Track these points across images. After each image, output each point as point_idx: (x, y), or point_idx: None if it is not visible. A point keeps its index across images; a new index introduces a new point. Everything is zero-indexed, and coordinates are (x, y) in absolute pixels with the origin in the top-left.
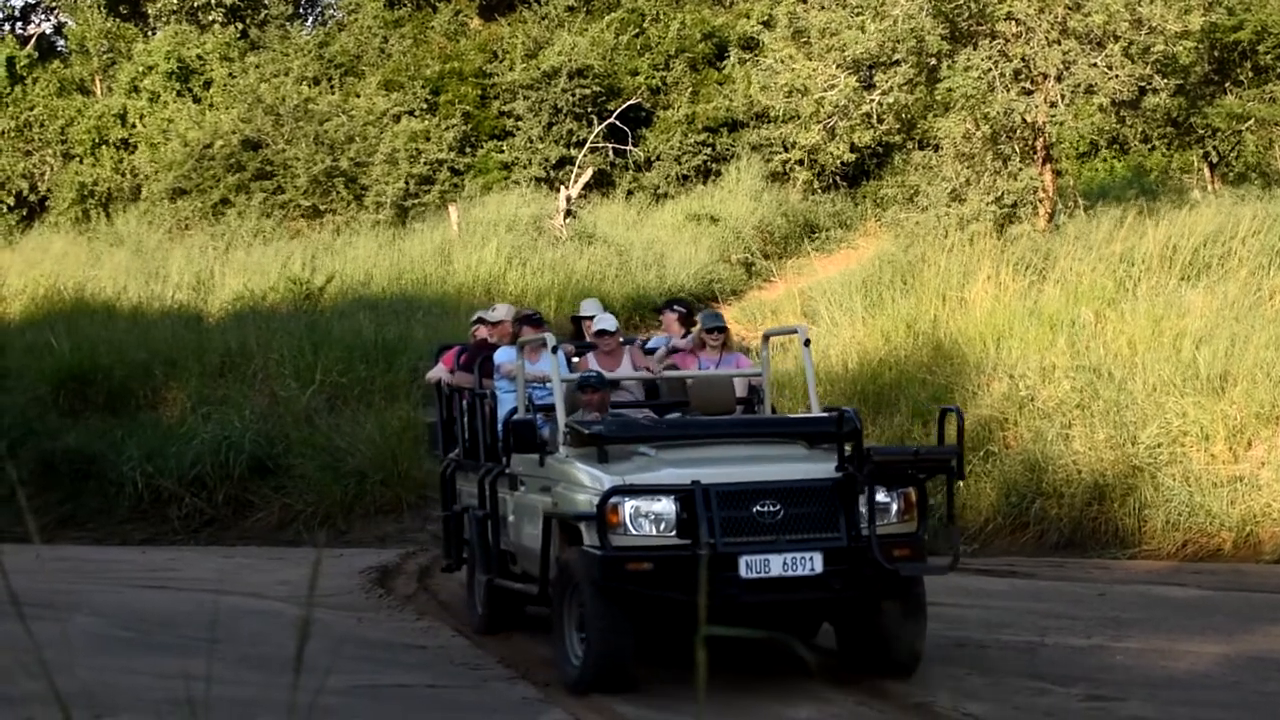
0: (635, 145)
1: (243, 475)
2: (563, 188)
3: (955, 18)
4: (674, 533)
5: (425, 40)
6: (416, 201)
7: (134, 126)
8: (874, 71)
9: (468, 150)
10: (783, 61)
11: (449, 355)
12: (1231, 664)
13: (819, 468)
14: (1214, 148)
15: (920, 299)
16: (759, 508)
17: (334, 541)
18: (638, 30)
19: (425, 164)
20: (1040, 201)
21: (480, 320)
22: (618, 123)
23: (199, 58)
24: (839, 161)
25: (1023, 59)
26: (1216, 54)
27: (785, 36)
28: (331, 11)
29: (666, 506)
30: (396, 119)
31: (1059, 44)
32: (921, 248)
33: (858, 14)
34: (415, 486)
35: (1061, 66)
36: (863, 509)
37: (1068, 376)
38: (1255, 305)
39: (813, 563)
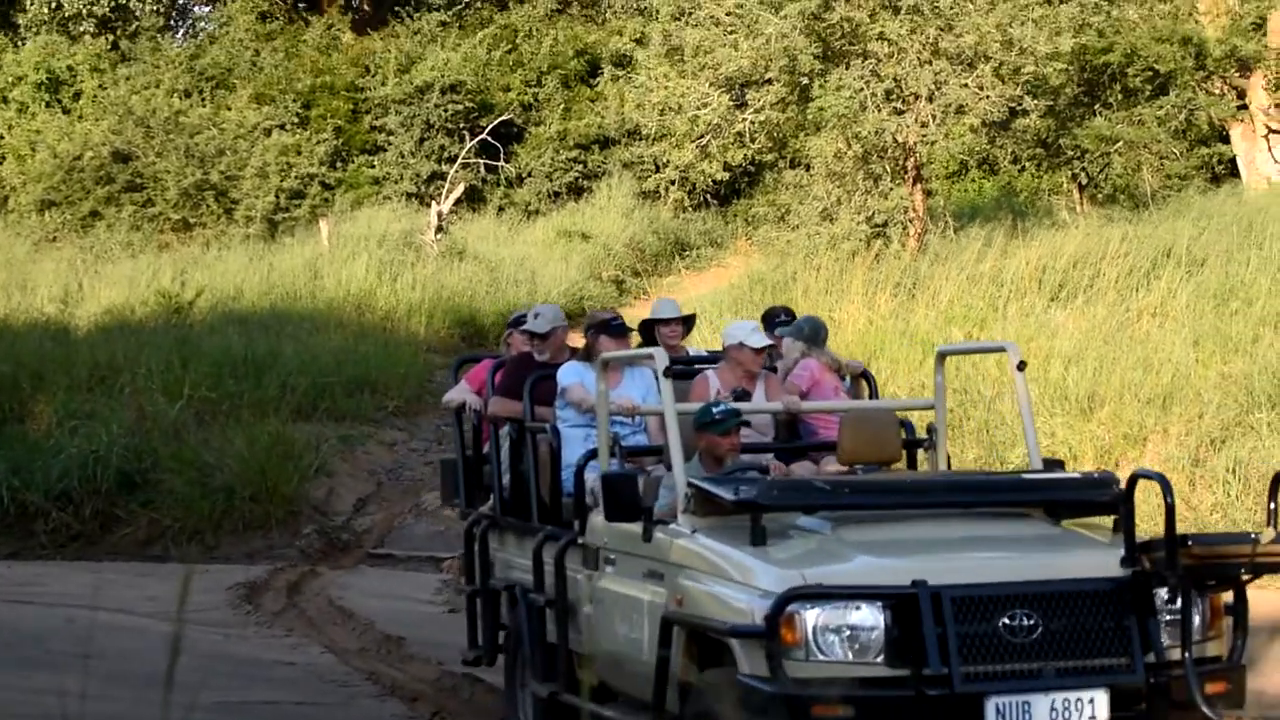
0: (507, 161)
1: (110, 490)
2: (434, 203)
3: (828, 37)
4: (882, 658)
5: (297, 54)
6: (287, 216)
7: (1, 138)
8: (746, 90)
9: (339, 165)
10: (656, 79)
11: (477, 371)
12: None
13: (1091, 559)
14: (1083, 169)
15: None
16: (1010, 621)
17: (202, 557)
18: (510, 46)
19: (296, 178)
20: (911, 221)
21: (518, 327)
22: (489, 139)
23: (69, 69)
24: (711, 180)
25: (894, 79)
26: (1086, 76)
27: (659, 54)
28: (203, 24)
29: (872, 618)
30: (268, 132)
31: (930, 64)
32: (792, 266)
33: (731, 32)
34: (284, 502)
35: (933, 87)
36: (1163, 621)
37: None
38: (1123, 326)
39: (1094, 707)
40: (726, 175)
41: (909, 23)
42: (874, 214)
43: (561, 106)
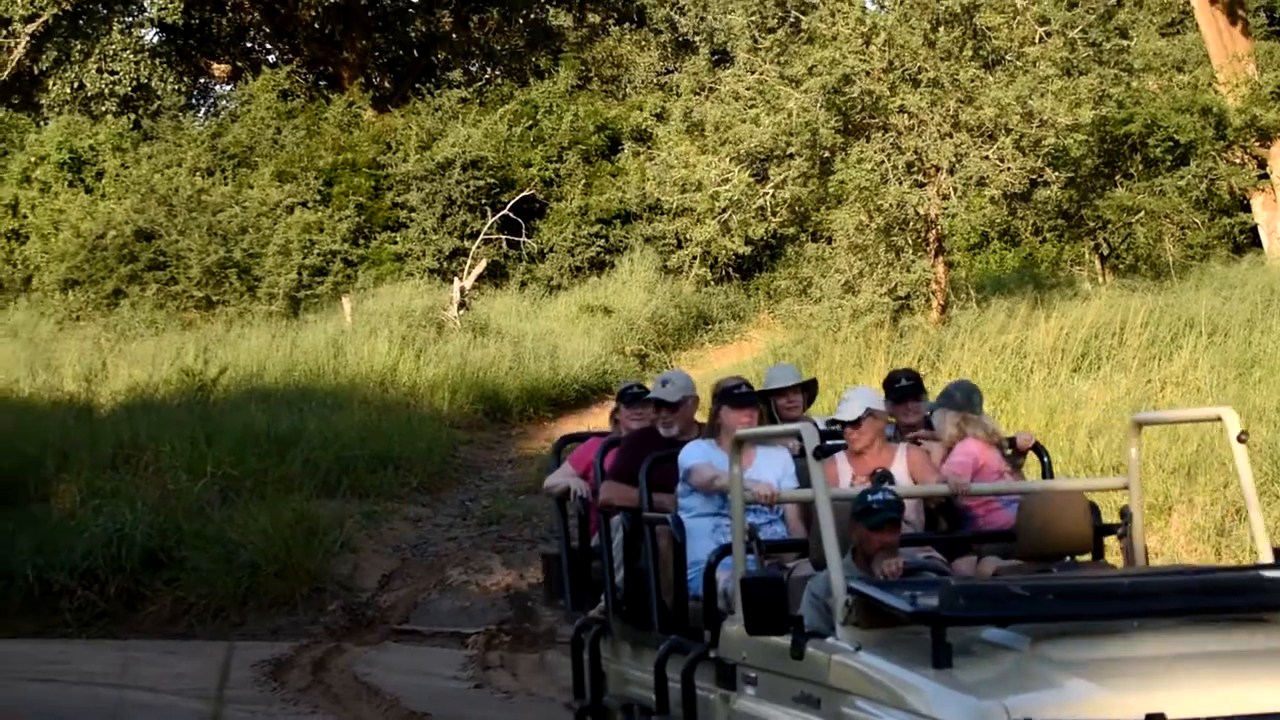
0: (529, 236)
1: (135, 568)
2: (456, 279)
3: (848, 111)
4: None
5: (319, 131)
6: (309, 293)
7: (25, 217)
8: (768, 164)
9: (361, 241)
10: (676, 155)
11: (583, 451)
12: None
13: None
14: (1104, 239)
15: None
16: None
17: (228, 634)
18: (531, 122)
19: (318, 255)
20: (933, 293)
21: (632, 402)
22: (511, 214)
23: (91, 148)
24: (733, 254)
25: (915, 151)
26: (1107, 147)
27: (679, 130)
28: (224, 102)
29: None
30: (290, 210)
31: (951, 137)
32: (815, 339)
33: (751, 107)
34: (308, 579)
35: (953, 159)
36: None
37: None
38: (1147, 397)
39: None
40: (748, 249)
41: (929, 96)
42: (896, 286)
43: (583, 182)
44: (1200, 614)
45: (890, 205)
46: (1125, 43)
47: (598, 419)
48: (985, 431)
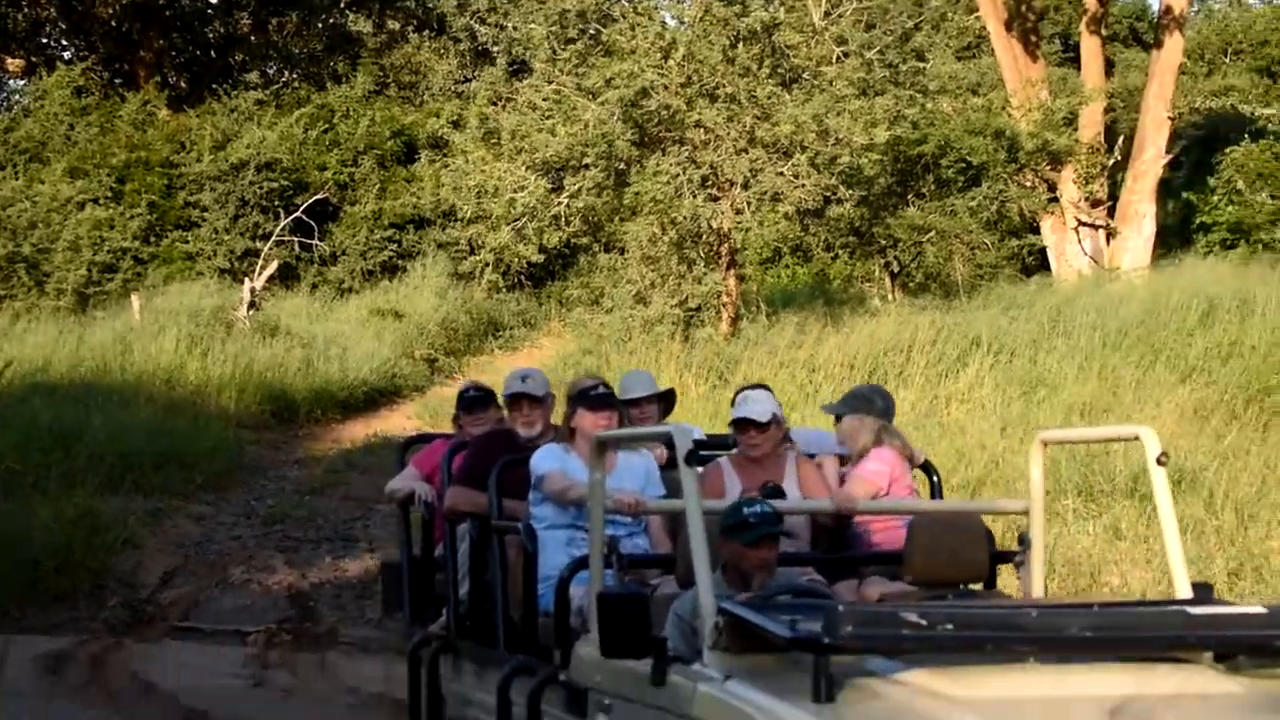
0: (321, 239)
1: None
2: (247, 279)
3: (645, 124)
4: None
5: (112, 129)
6: (99, 289)
7: None
8: (563, 174)
9: (152, 239)
10: (473, 162)
11: (429, 452)
12: None
13: None
14: (895, 257)
15: None
16: None
17: (7, 629)
18: (327, 126)
19: (109, 252)
20: (724, 306)
21: (477, 402)
22: (304, 216)
23: None
24: (526, 262)
25: (710, 166)
26: (900, 166)
27: (475, 137)
28: (17, 97)
29: None
30: (81, 206)
31: (746, 152)
32: (605, 349)
33: (548, 117)
34: (90, 575)
35: (748, 174)
36: None
37: None
38: (932, 412)
39: None
40: (541, 257)
41: (726, 111)
42: (687, 298)
43: (377, 186)
44: (1119, 653)
45: (684, 218)
46: (922, 65)
47: (385, 422)
48: (902, 443)
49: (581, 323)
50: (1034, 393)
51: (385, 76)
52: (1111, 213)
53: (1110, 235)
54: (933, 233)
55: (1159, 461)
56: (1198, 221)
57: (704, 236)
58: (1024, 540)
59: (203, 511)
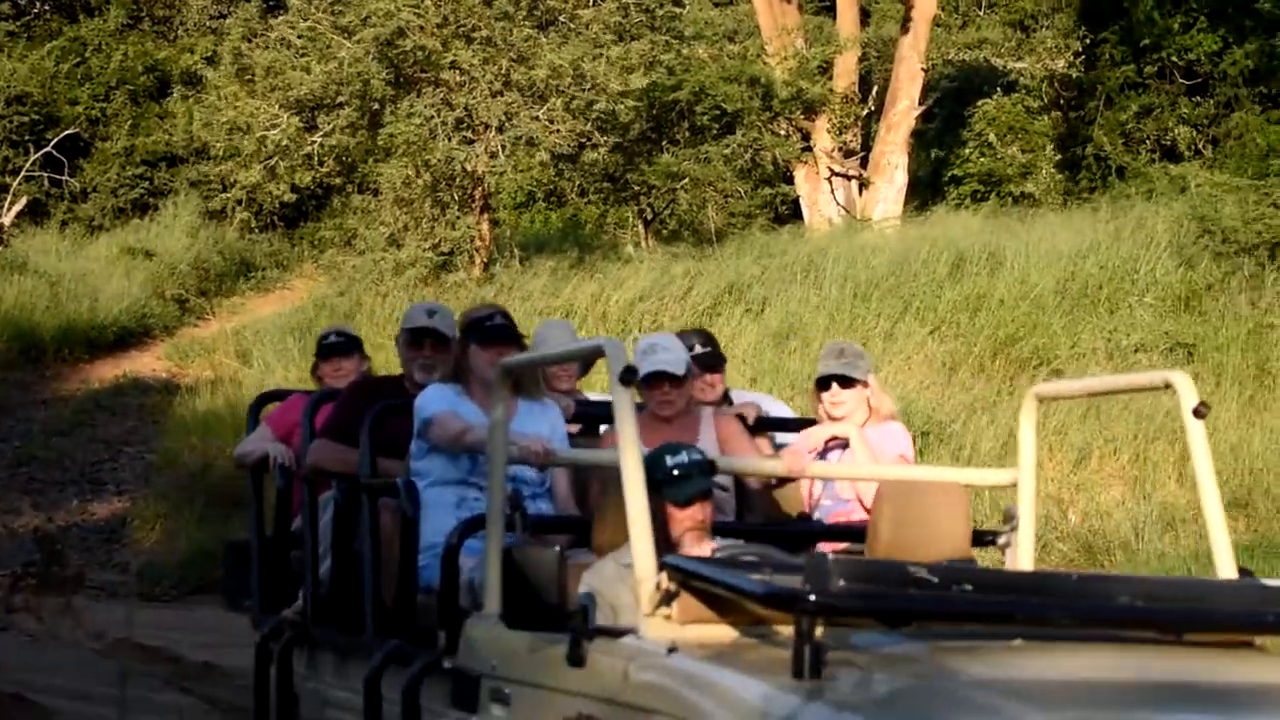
0: (72, 175)
1: None
2: None
3: (400, 64)
4: None
5: None
6: None
7: None
8: (317, 113)
9: None
10: (225, 99)
11: (286, 408)
12: None
13: None
14: (649, 204)
15: None
16: None
17: None
18: (79, 59)
19: None
20: (477, 250)
21: (336, 349)
22: (54, 152)
23: None
24: (278, 202)
25: (466, 108)
26: (655, 113)
27: (229, 74)
28: None
29: None
30: None
31: (502, 95)
32: (357, 292)
33: (303, 55)
34: None
35: (503, 118)
36: None
37: None
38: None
39: None
40: (294, 197)
41: (482, 53)
42: (441, 242)
43: (130, 122)
44: (1180, 630)
45: (438, 161)
46: (678, 10)
47: (135, 363)
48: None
49: (334, 265)
50: (786, 343)
51: (139, 10)
52: (864, 163)
53: (863, 186)
54: (687, 180)
55: (1196, 413)
56: (949, 174)
57: (458, 180)
58: (1010, 516)
59: None
